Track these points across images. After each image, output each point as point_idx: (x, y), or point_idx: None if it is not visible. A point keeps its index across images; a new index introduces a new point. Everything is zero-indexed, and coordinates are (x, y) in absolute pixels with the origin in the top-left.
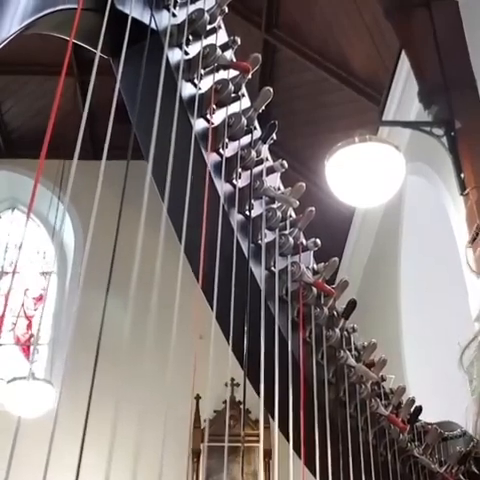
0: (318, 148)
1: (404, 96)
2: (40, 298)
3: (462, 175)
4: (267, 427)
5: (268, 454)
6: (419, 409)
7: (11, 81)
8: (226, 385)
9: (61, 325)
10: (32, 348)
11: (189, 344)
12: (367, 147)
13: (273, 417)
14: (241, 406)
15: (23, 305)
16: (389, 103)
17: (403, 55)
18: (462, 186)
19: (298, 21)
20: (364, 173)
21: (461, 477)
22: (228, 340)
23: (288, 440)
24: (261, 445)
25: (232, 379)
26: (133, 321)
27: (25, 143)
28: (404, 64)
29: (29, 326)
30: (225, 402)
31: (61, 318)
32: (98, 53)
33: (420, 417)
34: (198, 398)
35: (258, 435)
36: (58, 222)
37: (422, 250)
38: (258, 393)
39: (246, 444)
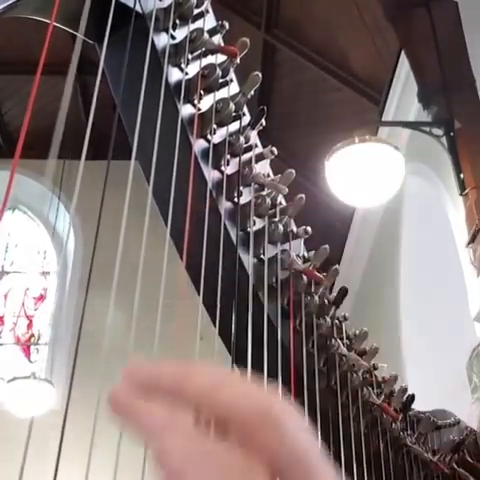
0: (318, 148)
1: (404, 96)
2: (40, 298)
3: (461, 175)
4: None
5: None
6: (412, 398)
7: (11, 81)
8: None
9: (61, 325)
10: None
11: (191, 345)
12: (367, 147)
13: None
14: None
15: (23, 305)
16: (389, 103)
17: (403, 55)
18: (461, 186)
19: (298, 21)
20: (364, 173)
21: (454, 466)
22: (215, 324)
23: None
24: None
25: None
26: (134, 321)
27: (25, 143)
28: (404, 64)
29: (29, 326)
30: None
31: (61, 318)
32: (81, 37)
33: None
34: None
35: None
36: (60, 225)
37: (422, 250)
38: None
39: None
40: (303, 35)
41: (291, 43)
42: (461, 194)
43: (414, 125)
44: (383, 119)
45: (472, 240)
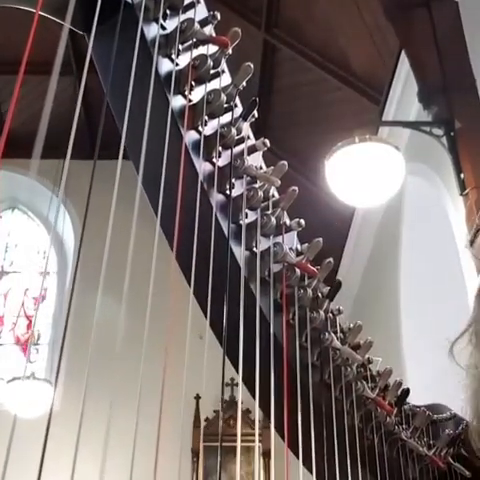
0: (318, 148)
1: (404, 96)
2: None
3: (462, 175)
4: (266, 426)
5: (267, 454)
6: (406, 391)
7: (11, 81)
8: (226, 385)
9: (61, 325)
10: (30, 347)
11: (190, 344)
12: (367, 147)
13: (254, 398)
14: (240, 406)
15: (23, 305)
16: (389, 103)
17: (403, 55)
18: (462, 186)
19: (298, 21)
20: (364, 173)
21: (450, 460)
22: (206, 315)
23: (269, 420)
24: (257, 443)
25: (232, 379)
26: (133, 320)
27: (25, 143)
28: (404, 64)
29: (29, 326)
30: (224, 402)
31: (61, 318)
32: (68, 26)
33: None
34: (198, 398)
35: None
36: (58, 220)
37: (422, 250)
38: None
39: (244, 444)
40: (303, 35)
41: (291, 43)
42: (461, 194)
43: (414, 125)
44: (383, 119)
45: (472, 240)
